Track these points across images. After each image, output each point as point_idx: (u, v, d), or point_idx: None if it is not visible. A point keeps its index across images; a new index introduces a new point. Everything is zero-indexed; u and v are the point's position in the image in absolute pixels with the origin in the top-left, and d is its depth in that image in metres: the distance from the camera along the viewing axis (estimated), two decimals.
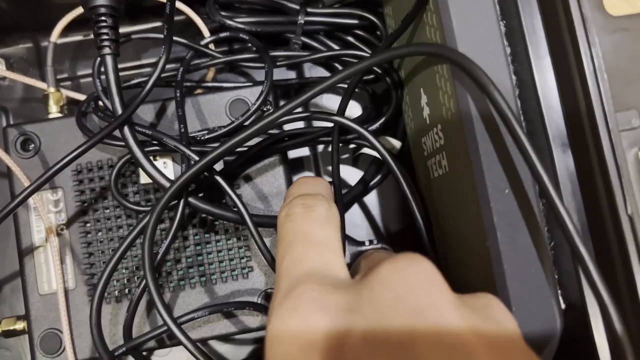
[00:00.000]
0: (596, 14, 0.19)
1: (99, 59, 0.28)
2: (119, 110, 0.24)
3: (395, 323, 0.15)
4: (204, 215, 0.27)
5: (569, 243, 0.17)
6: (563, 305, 0.19)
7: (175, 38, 0.28)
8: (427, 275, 0.15)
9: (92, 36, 0.29)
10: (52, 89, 0.30)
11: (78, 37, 0.33)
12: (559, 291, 0.19)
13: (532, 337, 0.19)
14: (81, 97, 0.31)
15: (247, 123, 0.27)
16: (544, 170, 0.17)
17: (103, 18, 0.24)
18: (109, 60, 0.24)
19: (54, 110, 0.30)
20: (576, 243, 0.17)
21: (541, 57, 0.20)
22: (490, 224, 0.19)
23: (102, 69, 0.25)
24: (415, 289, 0.15)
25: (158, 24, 0.32)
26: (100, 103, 0.28)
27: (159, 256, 0.25)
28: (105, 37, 0.24)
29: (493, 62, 0.19)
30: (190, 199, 0.25)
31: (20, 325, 0.28)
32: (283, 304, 0.16)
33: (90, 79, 0.33)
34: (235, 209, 0.25)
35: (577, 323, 0.19)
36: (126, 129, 0.24)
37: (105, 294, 0.27)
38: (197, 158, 0.25)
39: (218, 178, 0.25)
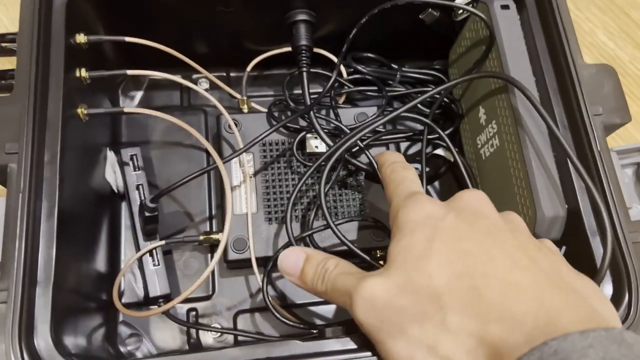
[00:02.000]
0: None
1: (288, 77, 0.47)
2: (309, 102, 0.42)
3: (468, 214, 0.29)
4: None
5: (570, 160, 0.34)
6: (565, 205, 0.36)
7: (340, 79, 0.47)
8: (482, 196, 0.31)
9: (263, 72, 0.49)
10: (245, 97, 0.48)
11: (254, 73, 0.51)
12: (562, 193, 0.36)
13: (550, 218, 0.35)
14: (260, 107, 0.48)
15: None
16: (557, 130, 0.35)
17: (304, 50, 0.43)
18: (304, 74, 0.43)
19: (245, 109, 0.47)
20: (574, 159, 0.34)
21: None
22: (528, 158, 0.36)
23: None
24: (478, 201, 0.30)
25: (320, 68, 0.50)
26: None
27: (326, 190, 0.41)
28: (304, 60, 0.43)
29: (527, 81, 0.38)
30: (346, 156, 0.42)
31: (216, 237, 0.43)
32: (407, 202, 0.31)
33: (257, 97, 0.51)
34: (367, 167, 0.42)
35: (573, 212, 0.36)
36: (312, 113, 0.42)
37: (284, 214, 0.42)
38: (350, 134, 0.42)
39: (360, 145, 0.42)
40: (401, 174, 0.34)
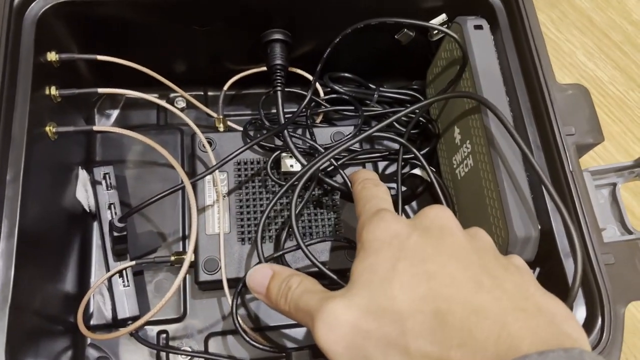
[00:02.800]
0: None
1: (263, 97, 0.47)
2: (282, 121, 0.42)
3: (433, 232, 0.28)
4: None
5: (540, 181, 0.34)
6: (538, 226, 0.35)
7: (313, 97, 0.47)
8: (448, 213, 0.30)
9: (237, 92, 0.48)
10: (221, 116, 0.47)
11: (231, 92, 0.51)
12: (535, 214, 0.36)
13: (522, 239, 0.34)
14: (237, 126, 0.48)
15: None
16: (528, 152, 0.35)
17: (279, 70, 0.43)
18: (279, 93, 0.43)
19: (222, 128, 0.47)
20: (545, 181, 0.34)
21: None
22: (501, 179, 0.36)
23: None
24: (444, 219, 0.29)
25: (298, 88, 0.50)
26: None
27: (298, 210, 0.41)
28: (279, 80, 0.43)
29: (500, 102, 0.38)
30: (320, 175, 0.41)
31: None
32: (373, 219, 0.29)
33: (235, 116, 0.51)
34: (340, 186, 0.41)
35: (546, 233, 0.35)
36: (286, 132, 0.42)
37: (256, 235, 0.42)
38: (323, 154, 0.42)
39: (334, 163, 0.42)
40: (371, 191, 0.34)
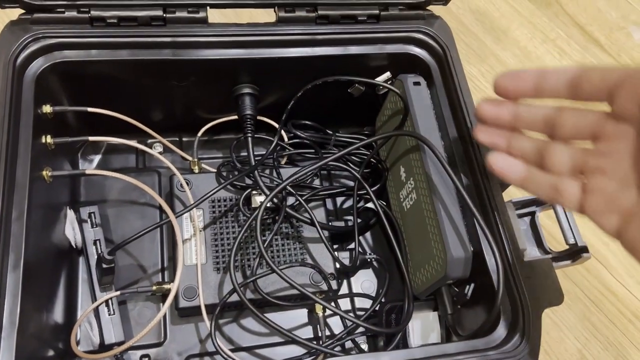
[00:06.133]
0: None
1: (234, 142, 0.53)
2: (253, 163, 0.48)
3: None
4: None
5: (470, 212, 0.41)
6: (471, 248, 0.43)
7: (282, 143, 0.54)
8: None
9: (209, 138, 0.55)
10: (196, 159, 0.53)
11: (204, 138, 0.57)
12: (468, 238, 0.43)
13: (458, 259, 0.41)
14: (210, 168, 0.54)
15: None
16: (460, 186, 0.42)
17: (249, 119, 0.49)
18: (249, 139, 0.49)
19: (196, 170, 0.53)
20: (474, 211, 0.41)
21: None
22: (438, 209, 0.43)
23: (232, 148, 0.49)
24: None
25: (264, 133, 0.56)
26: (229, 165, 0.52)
27: (268, 240, 0.47)
28: (249, 127, 0.49)
29: (436, 140, 0.45)
30: (288, 210, 0.47)
31: (167, 286, 0.47)
32: None
33: (207, 159, 0.56)
34: (307, 216, 0.48)
35: (477, 253, 0.42)
36: (256, 173, 0.48)
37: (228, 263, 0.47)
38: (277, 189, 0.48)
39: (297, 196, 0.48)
40: None
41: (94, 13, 0.44)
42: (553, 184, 0.34)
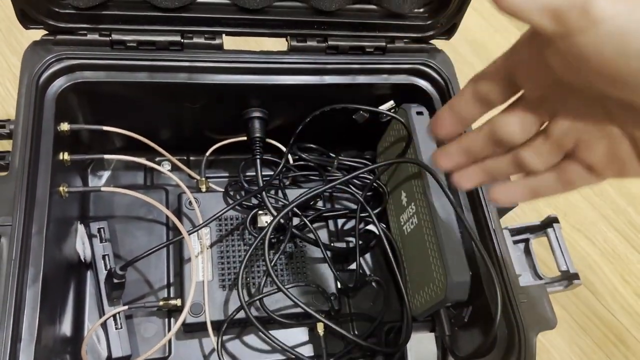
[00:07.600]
0: None
1: (243, 163, 0.54)
2: (261, 184, 0.50)
3: None
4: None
5: (471, 238, 0.43)
6: (469, 272, 0.45)
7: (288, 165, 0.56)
8: None
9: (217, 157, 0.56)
10: (203, 178, 0.55)
11: (211, 157, 0.59)
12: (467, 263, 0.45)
13: (458, 283, 0.43)
14: (217, 187, 0.55)
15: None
16: (461, 212, 0.44)
17: (258, 141, 0.51)
18: (258, 161, 0.51)
19: (203, 189, 0.54)
20: (474, 237, 0.43)
21: None
22: (439, 234, 0.45)
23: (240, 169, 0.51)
24: None
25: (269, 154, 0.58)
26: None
27: (273, 259, 0.48)
28: (258, 149, 0.51)
29: (438, 172, 0.48)
30: (293, 230, 0.49)
31: (174, 302, 0.48)
32: None
33: (214, 178, 0.58)
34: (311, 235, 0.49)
35: (475, 277, 0.44)
36: (264, 194, 0.50)
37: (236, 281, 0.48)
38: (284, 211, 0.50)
39: (304, 219, 0.50)
40: None
41: (114, 37, 0.46)
42: (557, 179, 0.31)
